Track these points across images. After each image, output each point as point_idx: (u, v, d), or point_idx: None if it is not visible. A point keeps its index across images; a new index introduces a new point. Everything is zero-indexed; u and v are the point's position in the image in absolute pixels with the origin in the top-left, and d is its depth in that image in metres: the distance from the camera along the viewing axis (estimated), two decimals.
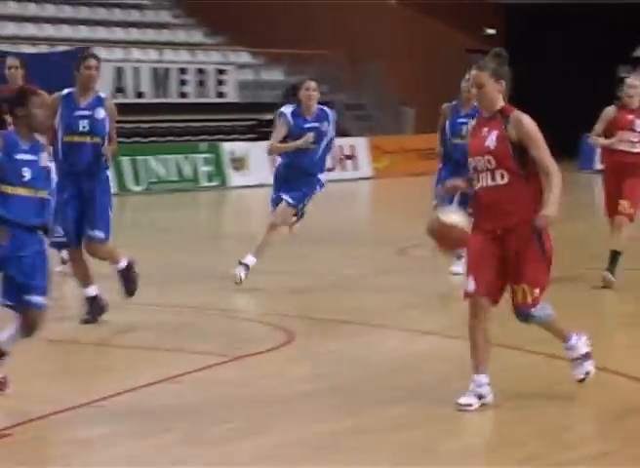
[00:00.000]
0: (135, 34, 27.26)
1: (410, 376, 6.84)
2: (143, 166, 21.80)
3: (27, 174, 6.23)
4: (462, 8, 31.55)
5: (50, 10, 27.23)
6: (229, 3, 28.54)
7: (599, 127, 9.91)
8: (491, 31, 33.71)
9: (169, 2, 29.67)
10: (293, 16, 29.36)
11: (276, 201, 9.92)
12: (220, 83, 24.90)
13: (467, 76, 9.39)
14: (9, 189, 6.23)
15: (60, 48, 23.82)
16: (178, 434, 5.58)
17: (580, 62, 30.30)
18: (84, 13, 27.51)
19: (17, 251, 6.15)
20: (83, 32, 26.05)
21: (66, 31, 26.06)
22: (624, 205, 9.59)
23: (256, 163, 22.61)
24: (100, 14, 27.95)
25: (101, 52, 22.14)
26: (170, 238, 14.29)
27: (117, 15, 28.26)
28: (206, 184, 22.07)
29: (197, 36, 28.67)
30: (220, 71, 25.31)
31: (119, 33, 26.85)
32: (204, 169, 22.10)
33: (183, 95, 24.42)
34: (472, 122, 6.60)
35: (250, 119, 25.60)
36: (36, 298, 6.16)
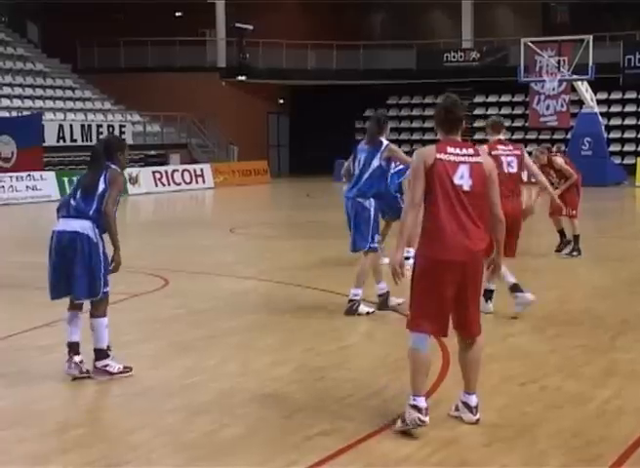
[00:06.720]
0: (70, 104, 31.40)
1: None
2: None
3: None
4: (264, 86, 36.32)
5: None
6: (126, 84, 33.15)
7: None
8: (281, 101, 38.41)
9: (91, 85, 33.65)
10: (163, 90, 33.37)
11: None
12: (122, 133, 27.80)
13: None
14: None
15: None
16: None
17: (332, 116, 35.31)
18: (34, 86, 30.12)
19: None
20: (39, 102, 29.77)
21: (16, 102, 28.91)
22: None
23: (143, 179, 27.24)
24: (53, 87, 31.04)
25: (50, 115, 28.29)
26: None
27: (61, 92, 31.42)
28: None
29: (107, 105, 33.10)
30: (122, 126, 29.33)
31: (59, 103, 30.89)
32: None
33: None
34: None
35: (138, 153, 28.31)
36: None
